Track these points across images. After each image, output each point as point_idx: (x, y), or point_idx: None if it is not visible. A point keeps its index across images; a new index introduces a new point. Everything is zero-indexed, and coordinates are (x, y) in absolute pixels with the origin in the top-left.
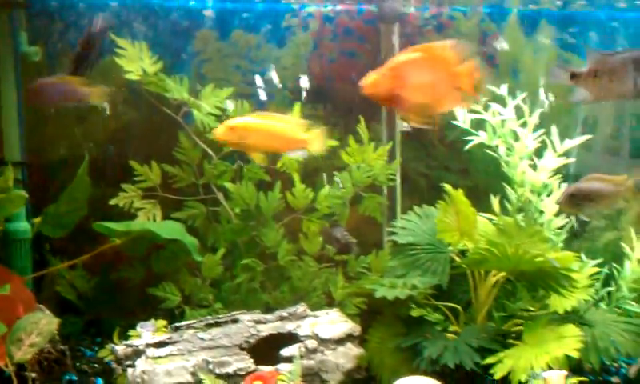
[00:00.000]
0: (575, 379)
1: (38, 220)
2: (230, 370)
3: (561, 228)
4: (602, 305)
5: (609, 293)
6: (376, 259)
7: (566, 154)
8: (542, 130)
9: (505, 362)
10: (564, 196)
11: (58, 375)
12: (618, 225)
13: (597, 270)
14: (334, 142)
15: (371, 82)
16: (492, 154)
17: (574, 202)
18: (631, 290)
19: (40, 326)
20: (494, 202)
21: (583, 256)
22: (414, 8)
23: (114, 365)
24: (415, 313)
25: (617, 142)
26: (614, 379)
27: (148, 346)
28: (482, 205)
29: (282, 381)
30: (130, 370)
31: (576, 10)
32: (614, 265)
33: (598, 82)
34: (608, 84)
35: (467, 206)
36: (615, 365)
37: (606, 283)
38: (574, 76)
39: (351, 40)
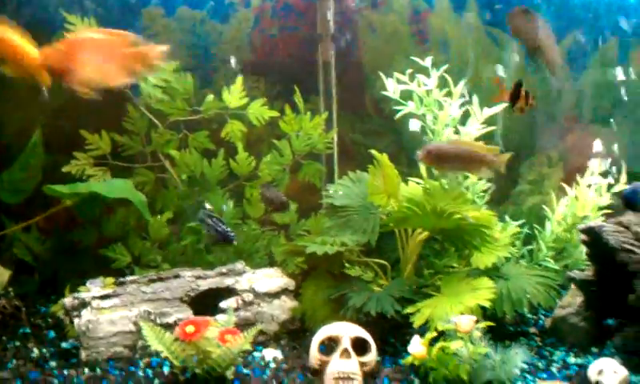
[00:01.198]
0: (484, 324)
1: None
2: (170, 319)
3: (484, 191)
4: (523, 262)
5: (530, 251)
6: (315, 222)
7: (489, 122)
8: (465, 99)
9: (423, 312)
10: (422, 151)
11: (13, 329)
12: (542, 189)
13: (518, 230)
14: (275, 113)
15: (46, 53)
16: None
17: (431, 158)
18: (549, 249)
19: None
20: (422, 166)
21: (507, 218)
22: None
23: (63, 316)
24: (346, 269)
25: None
26: (532, 329)
27: (94, 298)
28: (413, 171)
29: (215, 326)
30: (76, 320)
31: None
32: (536, 226)
33: None
34: None
35: (391, 169)
36: (534, 317)
37: (528, 243)
38: None
39: (290, 16)
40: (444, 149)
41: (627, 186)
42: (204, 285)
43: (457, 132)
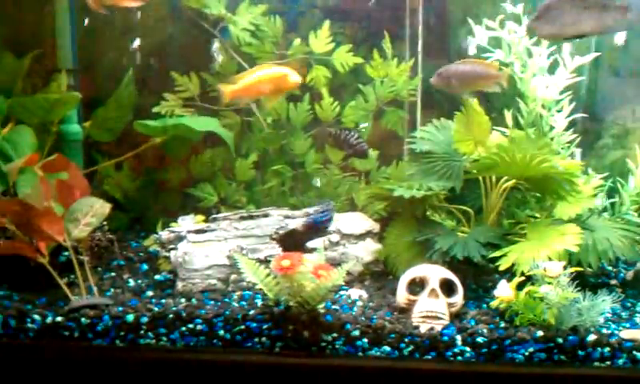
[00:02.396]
0: (574, 269)
1: (87, 124)
2: (261, 255)
3: (569, 143)
4: (605, 215)
5: (612, 204)
6: (396, 170)
7: (578, 72)
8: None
9: (509, 256)
10: (434, 77)
11: (107, 261)
12: (625, 144)
13: (601, 182)
14: (359, 60)
15: None
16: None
17: (443, 80)
18: (633, 202)
19: (94, 209)
20: (507, 116)
21: (590, 170)
22: None
23: (158, 248)
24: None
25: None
26: (613, 282)
27: (189, 232)
28: (497, 122)
29: (307, 261)
30: (172, 252)
31: None
32: (619, 179)
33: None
34: None
35: (481, 115)
36: (614, 270)
37: (610, 197)
38: None
39: None
40: (452, 69)
41: None
42: (292, 224)
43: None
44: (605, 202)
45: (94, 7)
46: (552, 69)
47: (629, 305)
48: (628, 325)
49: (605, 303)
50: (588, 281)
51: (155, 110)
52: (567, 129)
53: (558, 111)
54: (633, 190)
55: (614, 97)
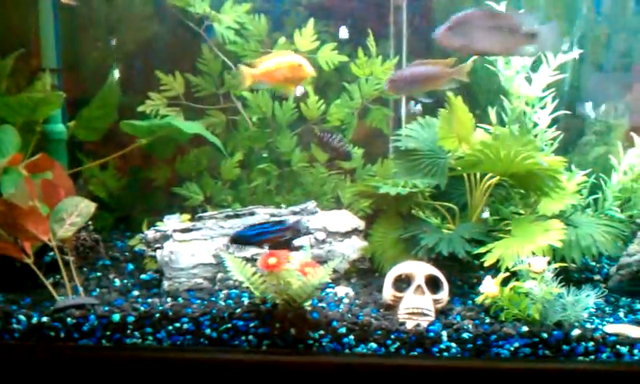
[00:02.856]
0: (558, 265)
1: (72, 123)
2: (247, 254)
3: (553, 139)
4: (589, 211)
5: (595, 200)
6: (381, 167)
7: (561, 70)
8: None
9: (494, 252)
10: (387, 82)
11: (93, 260)
12: (608, 140)
13: (584, 179)
14: (344, 58)
15: None
16: (492, 68)
17: (397, 86)
18: (616, 198)
19: (79, 208)
20: (491, 113)
21: (573, 167)
22: None
23: (144, 247)
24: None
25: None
26: (596, 277)
27: (175, 231)
28: (482, 119)
29: (294, 259)
30: (158, 252)
31: None
32: (602, 175)
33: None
34: None
35: (465, 112)
36: (598, 265)
37: (594, 193)
38: None
39: None
40: (404, 74)
41: None
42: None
43: (528, 78)
44: (588, 198)
45: None
46: (535, 66)
47: (612, 300)
48: (612, 319)
49: (588, 298)
50: (572, 276)
51: (140, 109)
52: (550, 126)
53: (542, 108)
54: (615, 187)
55: (596, 93)
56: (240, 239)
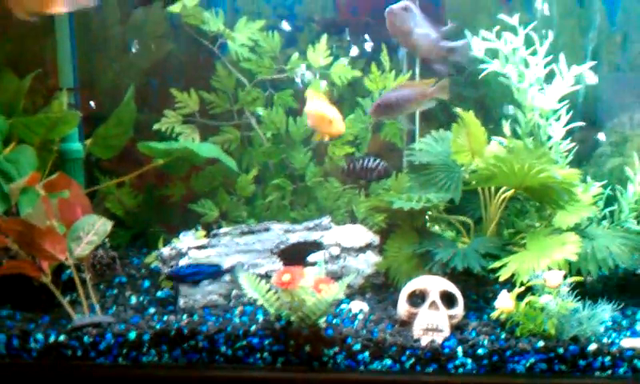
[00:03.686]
0: (573, 279)
1: (89, 141)
2: (262, 270)
3: (568, 151)
4: (605, 223)
5: (611, 212)
6: (395, 181)
7: (575, 81)
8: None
9: (509, 266)
10: (372, 108)
11: (110, 278)
12: (623, 151)
13: (600, 191)
14: (358, 73)
15: None
16: (505, 81)
17: (382, 111)
18: (632, 210)
19: (96, 227)
20: (505, 125)
21: (589, 178)
22: None
23: (160, 265)
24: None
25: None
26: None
27: (190, 248)
28: (496, 132)
29: (308, 275)
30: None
31: None
32: (618, 187)
33: None
34: None
35: (477, 126)
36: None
37: (610, 204)
38: None
39: None
40: (389, 98)
41: None
42: (293, 238)
43: (542, 90)
44: (604, 210)
45: (18, 14)
46: (549, 78)
47: (629, 313)
48: (629, 333)
49: (604, 312)
50: (588, 289)
51: (156, 127)
52: (565, 137)
53: (556, 120)
54: (631, 198)
55: (611, 104)
56: (175, 277)
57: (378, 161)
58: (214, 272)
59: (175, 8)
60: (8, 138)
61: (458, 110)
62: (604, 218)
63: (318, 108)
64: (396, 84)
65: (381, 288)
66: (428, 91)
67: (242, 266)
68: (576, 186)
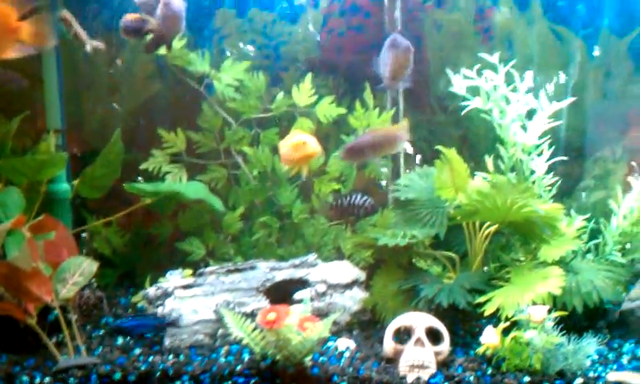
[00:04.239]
0: (557, 313)
1: (76, 182)
2: (247, 309)
3: (551, 186)
4: (590, 256)
5: (596, 245)
6: (381, 217)
7: (556, 117)
8: (531, 94)
9: (494, 301)
10: (342, 151)
11: (96, 318)
12: (607, 184)
13: (584, 224)
14: (342, 111)
15: None
16: (487, 117)
17: (353, 154)
18: (616, 243)
19: (82, 268)
20: (488, 161)
21: (573, 212)
22: None
23: (146, 305)
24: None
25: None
26: (600, 323)
27: (176, 288)
28: (480, 167)
29: (293, 314)
30: (159, 309)
31: None
32: (602, 220)
33: None
34: None
35: (459, 163)
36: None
37: (594, 237)
38: None
39: (358, 15)
40: (360, 142)
41: None
42: (279, 276)
43: (524, 127)
44: (588, 243)
45: None
46: (530, 114)
47: (615, 346)
48: (615, 366)
49: (590, 346)
50: (575, 323)
51: (143, 166)
52: (548, 172)
53: (538, 155)
54: (615, 231)
55: (593, 139)
56: (118, 330)
57: (365, 197)
58: (156, 325)
59: (162, 50)
60: None
61: (441, 147)
62: (589, 251)
63: (288, 140)
64: (369, 128)
65: (368, 325)
66: (399, 135)
67: (228, 304)
68: (559, 220)
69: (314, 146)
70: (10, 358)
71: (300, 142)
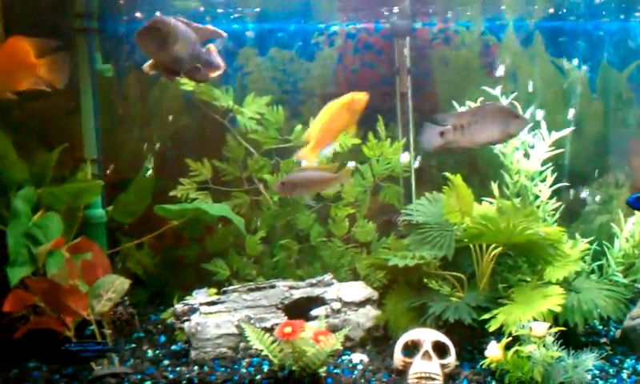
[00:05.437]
0: (557, 329)
1: (110, 208)
2: (267, 324)
3: (555, 210)
4: (593, 277)
5: (600, 266)
6: (394, 240)
7: (557, 145)
8: (532, 124)
9: (498, 317)
10: (276, 184)
11: (129, 333)
12: (610, 209)
13: (587, 246)
14: (357, 141)
15: None
16: (491, 147)
17: (287, 188)
18: (618, 264)
19: (115, 285)
20: (494, 187)
21: (577, 235)
22: (422, 24)
23: (173, 321)
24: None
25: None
26: (603, 340)
27: (201, 304)
28: (488, 193)
29: (309, 328)
30: (186, 324)
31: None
32: (606, 243)
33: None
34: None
35: (465, 188)
36: (605, 328)
37: (598, 259)
38: (442, 134)
39: (370, 53)
40: (294, 178)
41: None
42: (296, 294)
43: (526, 155)
44: (592, 264)
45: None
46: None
47: (617, 361)
48: (615, 381)
49: (590, 360)
50: (579, 340)
51: (172, 193)
52: (552, 197)
53: (542, 181)
54: (618, 253)
55: (596, 165)
56: (66, 353)
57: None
58: (98, 350)
59: (189, 86)
60: (37, 206)
61: (447, 174)
62: (592, 271)
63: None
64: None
65: (381, 340)
66: (333, 177)
67: (249, 320)
68: (562, 242)
69: (360, 96)
70: (50, 367)
71: (348, 99)
